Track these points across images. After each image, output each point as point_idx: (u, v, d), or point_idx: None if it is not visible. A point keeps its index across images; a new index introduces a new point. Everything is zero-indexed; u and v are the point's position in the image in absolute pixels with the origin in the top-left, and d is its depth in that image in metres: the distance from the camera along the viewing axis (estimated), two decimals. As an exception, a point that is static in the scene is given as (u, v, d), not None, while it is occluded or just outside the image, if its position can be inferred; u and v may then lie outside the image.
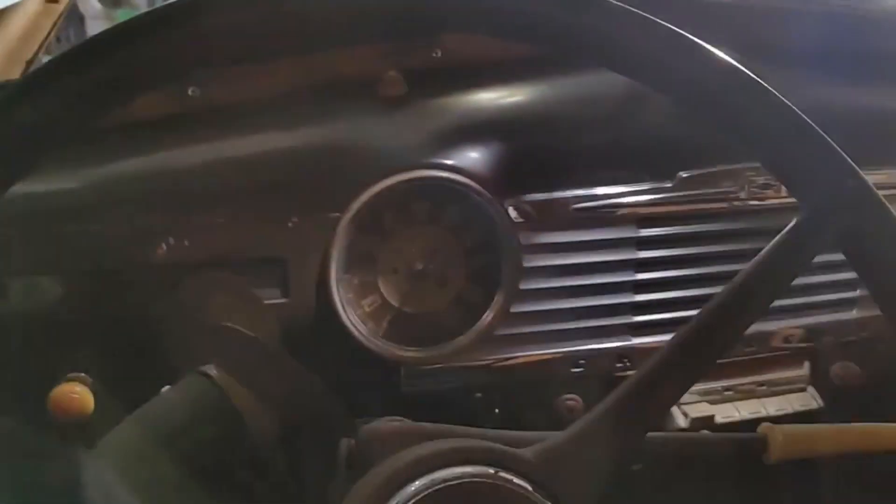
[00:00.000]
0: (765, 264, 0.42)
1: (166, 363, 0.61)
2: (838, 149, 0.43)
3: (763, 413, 0.78)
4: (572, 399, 0.74)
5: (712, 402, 0.78)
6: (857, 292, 0.80)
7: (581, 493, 0.39)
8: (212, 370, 0.53)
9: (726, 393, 0.78)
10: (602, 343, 0.74)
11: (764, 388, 0.80)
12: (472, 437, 0.48)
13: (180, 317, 0.61)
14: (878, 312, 0.79)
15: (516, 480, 0.39)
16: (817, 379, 0.81)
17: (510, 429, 0.73)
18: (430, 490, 0.37)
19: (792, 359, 0.81)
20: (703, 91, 0.42)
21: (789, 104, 0.42)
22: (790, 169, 0.43)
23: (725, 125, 0.43)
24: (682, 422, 0.76)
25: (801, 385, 0.81)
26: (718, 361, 0.77)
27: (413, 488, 0.37)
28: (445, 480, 0.38)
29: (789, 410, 0.79)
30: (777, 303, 0.77)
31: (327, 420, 0.53)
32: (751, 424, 0.77)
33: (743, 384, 0.79)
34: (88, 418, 0.63)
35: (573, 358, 0.74)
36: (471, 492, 0.38)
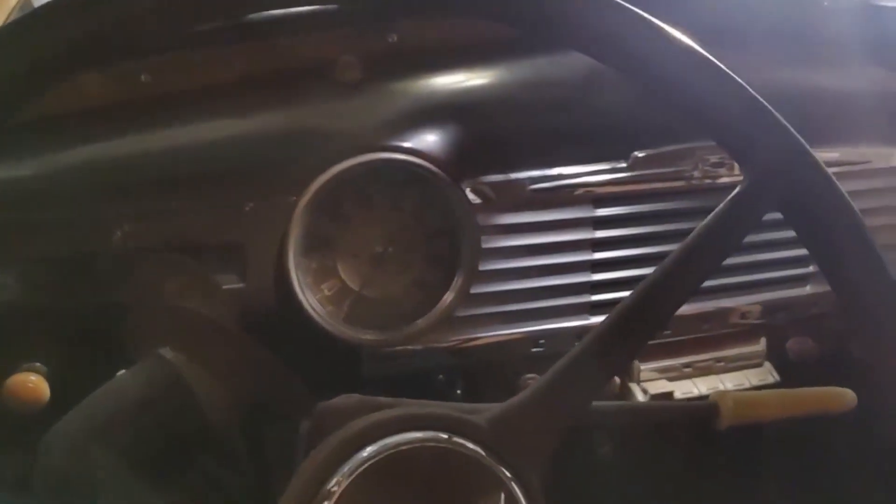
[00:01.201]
0: (713, 228, 0.43)
1: (123, 350, 0.60)
2: (780, 117, 0.44)
3: (721, 388, 0.79)
4: (533, 378, 0.75)
5: (671, 379, 0.79)
6: (811, 268, 0.82)
7: (532, 457, 0.40)
8: (167, 352, 0.53)
9: (685, 370, 0.80)
10: (561, 322, 0.75)
11: (722, 364, 0.81)
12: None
13: (136, 301, 0.60)
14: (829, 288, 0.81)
15: (469, 445, 0.39)
16: (774, 354, 0.82)
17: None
18: (381, 455, 0.37)
19: (748, 335, 0.82)
20: (651, 64, 0.43)
21: (732, 74, 0.43)
22: (734, 138, 0.45)
23: (673, 96, 0.44)
24: (641, 398, 0.77)
25: (758, 360, 0.82)
26: (677, 339, 0.80)
27: (365, 454, 0.38)
28: (397, 445, 0.38)
29: (747, 385, 0.80)
30: (734, 280, 0.80)
31: (288, 401, 0.53)
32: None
33: (701, 361, 0.80)
34: (44, 407, 0.62)
35: (533, 338, 0.74)
36: (423, 457, 0.38)
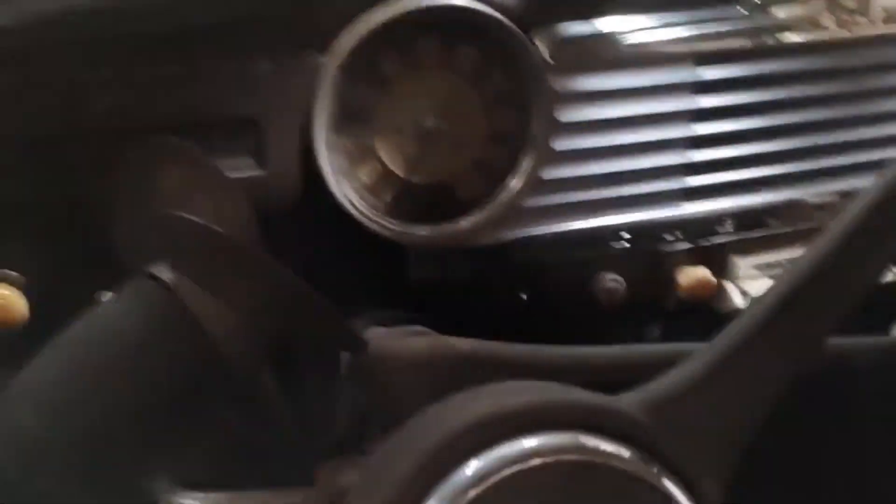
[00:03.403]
0: None
1: (110, 256, 0.48)
2: None
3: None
4: (614, 280, 0.63)
5: (774, 278, 0.66)
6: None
7: (714, 462, 0.27)
8: (164, 272, 0.40)
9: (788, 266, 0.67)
10: (650, 212, 0.62)
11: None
12: (523, 362, 0.36)
13: (122, 198, 0.47)
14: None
15: (614, 450, 0.26)
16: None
17: (540, 317, 0.63)
18: (494, 478, 0.25)
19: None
20: None
21: None
22: None
23: None
24: (739, 300, 0.65)
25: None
26: (781, 231, 0.67)
27: (469, 473, 0.25)
28: (515, 461, 0.25)
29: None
30: (852, 160, 0.66)
31: (320, 331, 0.40)
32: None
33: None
34: (21, 328, 0.50)
35: (615, 231, 0.62)
36: (550, 475, 0.25)
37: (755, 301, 0.31)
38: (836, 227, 0.31)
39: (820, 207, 0.65)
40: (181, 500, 0.37)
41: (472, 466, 0.25)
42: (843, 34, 0.61)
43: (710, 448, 0.27)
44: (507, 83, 0.57)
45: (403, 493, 0.25)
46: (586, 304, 0.63)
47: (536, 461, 0.25)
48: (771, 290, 0.30)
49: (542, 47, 0.56)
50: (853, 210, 0.31)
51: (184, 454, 0.39)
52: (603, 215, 0.61)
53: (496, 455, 0.25)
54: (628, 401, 0.28)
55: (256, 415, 0.43)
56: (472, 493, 0.24)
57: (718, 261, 0.66)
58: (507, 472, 0.25)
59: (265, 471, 0.41)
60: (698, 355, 0.29)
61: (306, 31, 0.53)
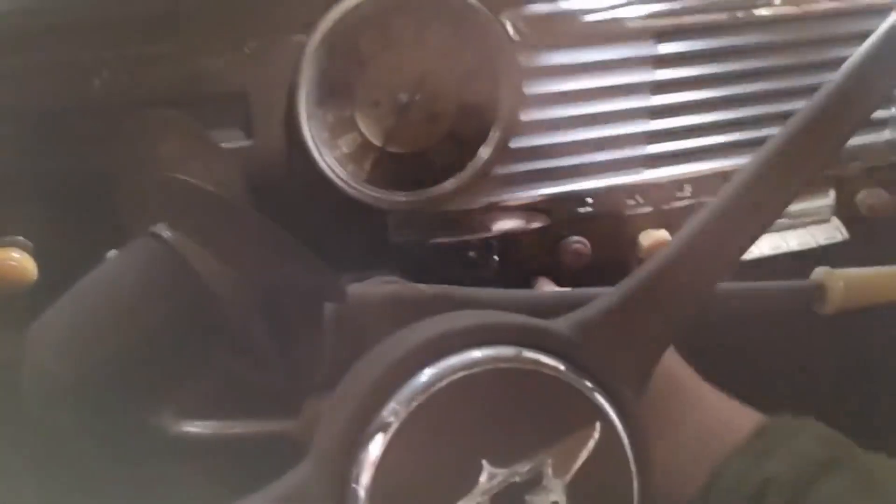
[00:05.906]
0: (870, 60, 0.33)
1: (114, 221, 0.52)
2: None
3: (784, 247, 0.71)
4: (579, 242, 0.67)
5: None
6: (892, 111, 0.72)
7: (630, 374, 0.32)
8: (164, 231, 0.44)
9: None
10: (612, 178, 0.66)
11: (785, 220, 0.72)
12: (480, 302, 0.40)
13: (123, 165, 0.51)
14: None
15: (548, 361, 0.31)
16: (842, 208, 0.74)
17: (510, 278, 0.67)
18: (445, 381, 0.30)
19: (815, 187, 0.73)
20: None
21: None
22: None
23: None
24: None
25: (825, 216, 0.74)
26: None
27: (424, 379, 0.30)
28: (463, 368, 0.30)
29: (812, 244, 0.72)
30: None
31: (306, 283, 0.45)
32: (771, 261, 0.71)
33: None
34: (31, 290, 0.54)
35: (580, 196, 0.66)
36: (492, 380, 0.30)
37: (669, 242, 0.35)
38: (741, 174, 0.35)
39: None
40: (184, 428, 0.42)
41: (426, 374, 0.30)
42: (792, 10, 0.64)
43: (628, 363, 0.32)
44: (476, 58, 0.60)
45: (369, 398, 0.29)
46: (554, 266, 0.68)
47: (480, 368, 0.30)
48: (679, 232, 0.35)
49: (509, 25, 0.60)
50: (756, 160, 0.35)
51: (185, 391, 0.43)
52: (568, 182, 0.65)
53: (447, 364, 0.30)
54: (561, 324, 0.32)
55: (249, 357, 0.47)
56: (425, 396, 0.29)
57: (678, 223, 0.70)
58: (455, 377, 0.29)
59: (256, 407, 0.45)
60: (620, 286, 0.33)
61: (290, 13, 0.56)
